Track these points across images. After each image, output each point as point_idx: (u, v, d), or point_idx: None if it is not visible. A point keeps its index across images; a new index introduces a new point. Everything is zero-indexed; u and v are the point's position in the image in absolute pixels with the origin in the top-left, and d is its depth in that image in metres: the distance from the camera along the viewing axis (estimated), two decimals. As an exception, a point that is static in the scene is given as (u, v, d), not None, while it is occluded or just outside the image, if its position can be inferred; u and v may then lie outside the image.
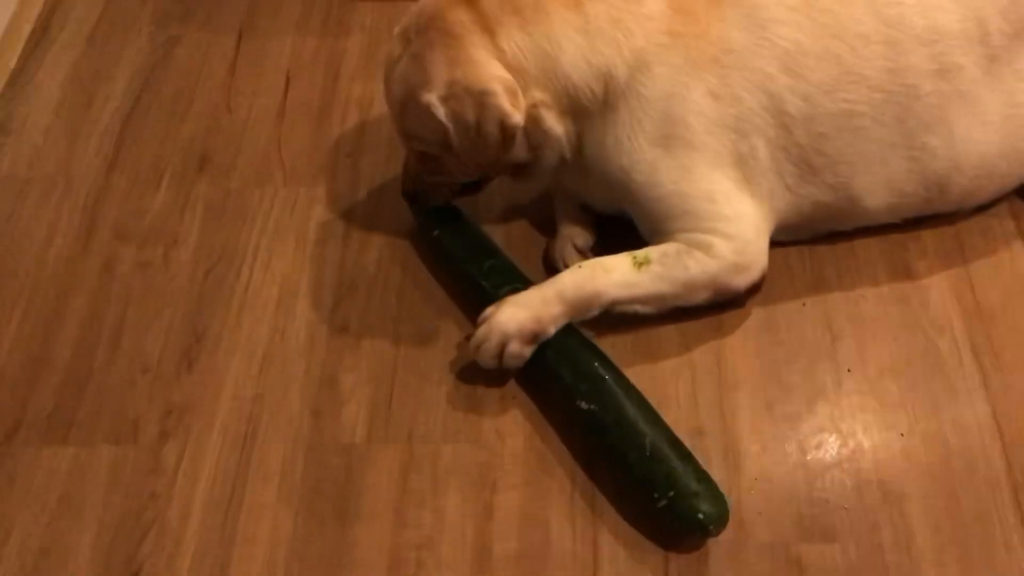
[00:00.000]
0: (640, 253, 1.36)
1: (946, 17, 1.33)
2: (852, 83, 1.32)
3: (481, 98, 1.29)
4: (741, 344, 1.40)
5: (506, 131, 1.31)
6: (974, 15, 1.34)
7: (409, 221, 1.57)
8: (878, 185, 1.39)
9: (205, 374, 1.43)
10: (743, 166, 1.34)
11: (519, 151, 1.37)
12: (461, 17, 1.30)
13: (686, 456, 1.24)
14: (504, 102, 1.29)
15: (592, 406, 1.28)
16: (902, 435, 1.30)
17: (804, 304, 1.44)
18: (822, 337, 1.40)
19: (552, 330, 1.33)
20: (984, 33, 1.34)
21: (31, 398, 1.41)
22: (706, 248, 1.35)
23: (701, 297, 1.37)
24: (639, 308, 1.37)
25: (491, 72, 1.29)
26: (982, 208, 1.51)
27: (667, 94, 1.32)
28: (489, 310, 1.35)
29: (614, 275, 1.34)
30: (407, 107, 1.35)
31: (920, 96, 1.34)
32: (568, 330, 1.35)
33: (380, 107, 1.74)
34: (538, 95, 1.33)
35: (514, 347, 1.32)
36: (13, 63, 1.88)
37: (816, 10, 1.32)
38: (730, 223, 1.35)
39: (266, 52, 1.89)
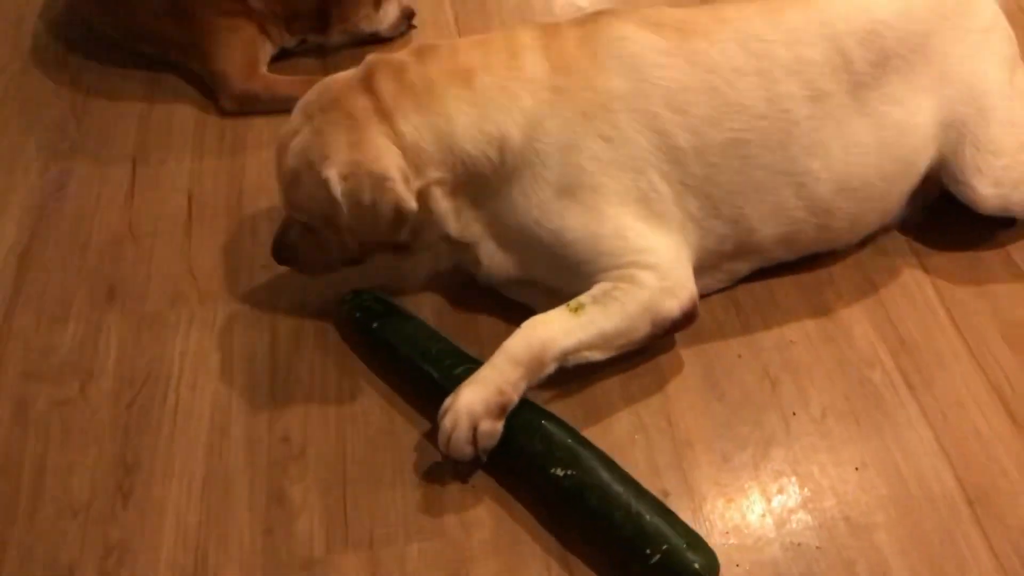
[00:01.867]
0: (572, 301, 1.38)
1: (809, 49, 1.43)
2: (735, 112, 1.40)
3: (381, 182, 1.35)
4: (688, 402, 1.42)
5: (400, 215, 1.37)
6: (835, 46, 1.43)
7: (338, 321, 1.55)
8: (770, 213, 1.45)
9: (142, 507, 1.34)
10: (647, 201, 1.40)
11: (403, 232, 1.42)
12: (362, 103, 1.37)
13: (668, 512, 1.23)
14: (402, 188, 1.35)
15: (569, 471, 1.26)
16: (856, 469, 1.33)
17: (739, 356, 1.48)
18: (762, 385, 1.44)
19: (516, 397, 1.32)
20: (847, 62, 1.44)
21: (-52, 561, 1.30)
22: (630, 280, 1.38)
23: (643, 331, 1.39)
24: (589, 355, 1.37)
25: (391, 159, 1.35)
26: (883, 251, 1.59)
27: (562, 145, 1.38)
28: (448, 400, 1.32)
29: (554, 324, 1.35)
30: (300, 179, 1.39)
31: (798, 121, 1.42)
32: (527, 404, 1.33)
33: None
34: (434, 174, 1.39)
35: (485, 426, 1.29)
36: None
37: (688, 51, 1.41)
38: (646, 254, 1.39)
39: (164, 176, 1.85)
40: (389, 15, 2.08)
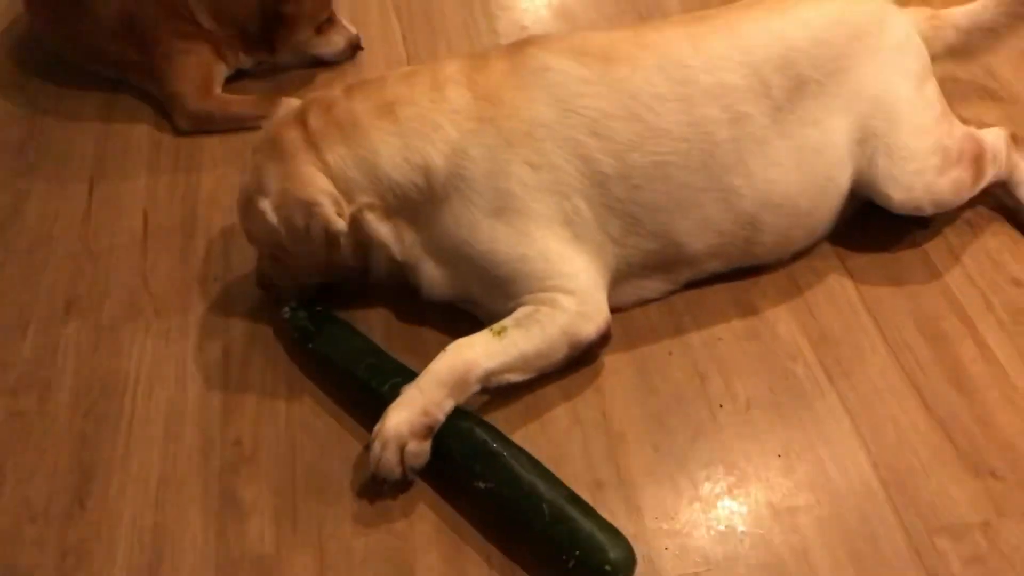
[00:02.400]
0: (496, 325, 1.46)
1: (729, 75, 1.51)
2: (657, 137, 1.48)
3: (309, 208, 1.46)
4: (622, 397, 1.49)
5: (330, 236, 1.47)
6: (754, 72, 1.51)
7: (288, 337, 1.60)
8: (696, 227, 1.53)
9: (99, 511, 1.40)
10: (571, 225, 1.48)
11: (346, 255, 1.53)
12: (293, 135, 1.49)
13: (586, 511, 1.30)
14: (329, 212, 1.47)
15: (489, 484, 1.33)
16: (779, 456, 1.41)
17: (671, 353, 1.55)
18: (691, 380, 1.51)
19: (442, 417, 1.38)
20: (765, 87, 1.52)
21: (-91, 567, 1.35)
22: (551, 303, 1.46)
23: (561, 353, 1.47)
24: (511, 376, 1.45)
25: (318, 185, 1.47)
26: (807, 253, 1.66)
27: (489, 172, 1.46)
28: (378, 425, 1.38)
29: (478, 347, 1.42)
30: (247, 212, 1.53)
31: (718, 142, 1.50)
32: (457, 414, 1.40)
33: (241, 233, 1.77)
34: (365, 199, 1.48)
35: (412, 446, 1.36)
36: None
37: (611, 79, 1.49)
38: (568, 279, 1.47)
39: (120, 195, 1.91)
40: (334, 43, 2.15)
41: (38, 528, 1.38)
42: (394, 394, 1.41)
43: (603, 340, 1.51)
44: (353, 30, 2.18)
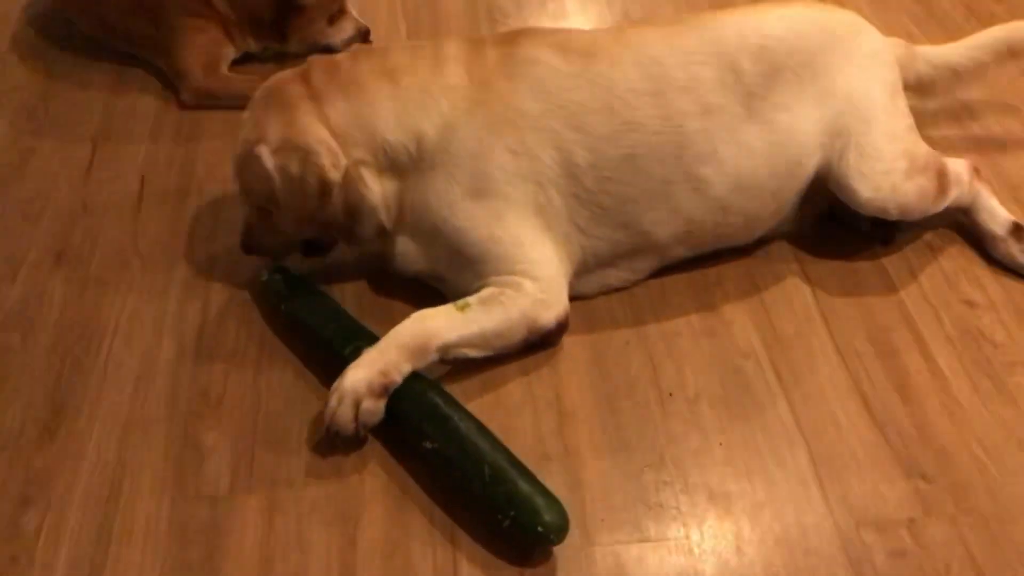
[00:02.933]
0: (460, 301, 1.52)
1: (702, 69, 1.58)
2: (630, 131, 1.55)
3: (305, 155, 1.51)
4: (576, 379, 1.55)
5: (324, 186, 1.52)
6: (727, 63, 1.59)
7: (263, 300, 1.67)
8: (665, 217, 1.60)
9: (66, 444, 1.46)
10: (542, 214, 1.55)
11: (337, 209, 1.56)
12: (295, 88, 1.55)
13: (525, 475, 1.34)
14: (324, 160, 1.51)
15: (435, 444, 1.39)
16: (720, 444, 1.46)
17: (628, 343, 1.61)
18: (645, 369, 1.57)
19: (399, 378, 1.44)
20: (738, 75, 1.59)
21: None
22: (516, 287, 1.52)
23: (519, 335, 1.53)
24: (468, 352, 1.51)
25: (316, 135, 1.52)
26: (770, 258, 1.74)
27: (473, 153, 1.53)
28: (336, 382, 1.43)
29: (440, 318, 1.49)
30: (244, 162, 1.57)
31: (689, 134, 1.57)
32: (413, 377, 1.45)
33: (232, 198, 1.86)
34: (359, 154, 1.54)
35: (367, 404, 1.42)
36: None
37: (592, 74, 1.56)
38: (535, 265, 1.54)
39: (121, 158, 2.00)
40: (344, 31, 2.24)
41: (8, 454, 1.44)
42: (356, 356, 1.47)
43: (560, 329, 1.57)
44: (362, 21, 2.26)
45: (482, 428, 1.40)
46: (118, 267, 1.75)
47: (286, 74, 1.61)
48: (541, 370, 1.56)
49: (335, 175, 1.52)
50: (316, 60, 1.61)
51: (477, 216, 1.53)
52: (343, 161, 1.53)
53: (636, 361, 1.58)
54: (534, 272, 1.53)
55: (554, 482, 1.37)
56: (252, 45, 2.22)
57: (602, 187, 1.56)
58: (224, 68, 2.16)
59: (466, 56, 1.59)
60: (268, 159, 1.52)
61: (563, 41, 1.59)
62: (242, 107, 2.07)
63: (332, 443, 1.45)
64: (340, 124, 1.53)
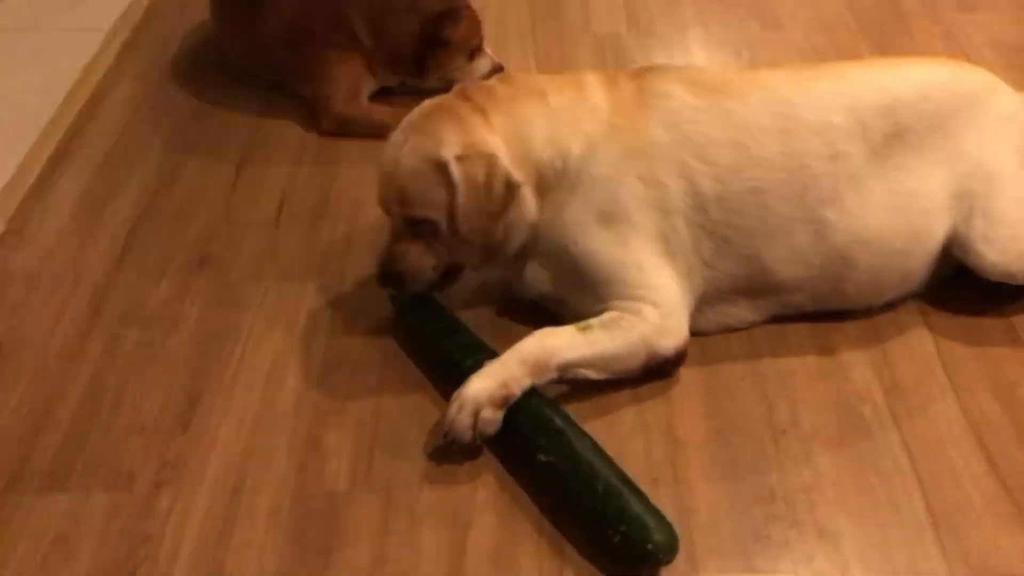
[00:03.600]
0: (581, 323, 1.56)
1: (832, 115, 1.61)
2: (757, 165, 1.58)
3: (491, 160, 1.54)
4: (688, 409, 1.56)
5: (510, 190, 1.55)
6: (856, 116, 1.61)
7: (388, 314, 1.75)
8: (785, 256, 1.61)
9: (198, 434, 1.54)
10: (666, 242, 1.58)
11: (498, 228, 1.59)
12: (462, 104, 1.60)
13: (637, 493, 1.36)
14: (509, 164, 1.55)
15: (550, 458, 1.42)
16: (833, 484, 1.45)
17: (743, 378, 1.62)
18: (758, 405, 1.57)
19: (518, 392, 1.48)
20: (865, 129, 1.61)
21: (32, 453, 1.52)
22: (636, 312, 1.55)
23: (637, 361, 1.55)
24: (586, 372, 1.54)
25: (496, 142, 1.56)
26: (892, 307, 1.72)
27: (609, 177, 1.58)
28: (457, 390, 1.48)
29: (562, 337, 1.53)
30: (417, 174, 1.56)
31: (815, 176, 1.59)
32: (530, 393, 1.49)
33: (366, 219, 1.97)
34: (519, 170, 1.57)
35: (486, 413, 1.46)
36: (33, 179, 2.10)
37: (721, 109, 1.60)
38: (656, 291, 1.57)
39: (264, 177, 2.12)
40: (480, 67, 2.33)
41: (144, 439, 1.54)
42: (476, 368, 1.51)
43: (679, 358, 1.59)
44: (496, 59, 2.36)
45: (595, 445, 1.43)
46: (256, 276, 1.85)
47: (443, 96, 1.66)
48: (654, 398, 1.58)
49: (522, 177, 1.55)
50: (467, 85, 1.69)
51: (605, 239, 1.57)
52: (519, 170, 1.57)
53: (750, 397, 1.59)
54: (656, 299, 1.56)
55: (663, 507, 1.38)
56: (391, 79, 2.33)
57: (727, 219, 1.59)
58: (364, 98, 2.28)
59: (604, 84, 1.65)
60: (454, 167, 1.53)
61: (692, 77, 1.64)
62: (380, 136, 2.21)
63: (448, 450, 1.49)
64: (505, 138, 1.58)
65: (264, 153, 2.20)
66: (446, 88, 2.31)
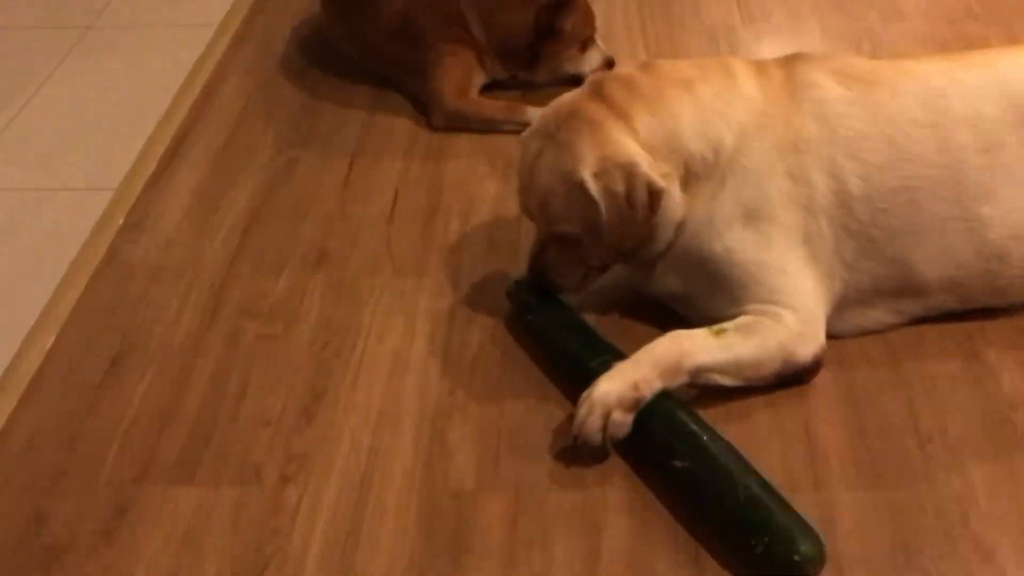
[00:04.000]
0: (716, 326, 1.50)
1: (985, 105, 1.53)
2: (908, 161, 1.51)
3: (629, 168, 1.48)
4: (827, 415, 1.50)
5: (653, 196, 1.49)
6: (1011, 103, 1.53)
7: (505, 309, 1.71)
8: (935, 256, 1.53)
9: (324, 428, 1.53)
10: (810, 243, 1.51)
11: (645, 232, 1.53)
12: (596, 108, 1.53)
13: (779, 501, 1.31)
14: (649, 170, 1.48)
15: (686, 463, 1.37)
16: (987, 495, 1.37)
17: (882, 383, 1.54)
18: (901, 411, 1.50)
19: (649, 394, 1.43)
20: (1020, 118, 1.52)
21: (160, 446, 1.52)
22: (775, 317, 1.49)
23: (773, 368, 1.49)
24: (719, 378, 1.48)
25: (633, 148, 1.50)
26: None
27: (759, 170, 1.51)
28: (586, 391, 1.44)
29: (696, 340, 1.47)
30: (555, 192, 1.52)
31: (969, 170, 1.51)
32: (662, 395, 1.44)
33: (477, 216, 1.95)
34: (665, 167, 1.51)
35: (617, 416, 1.41)
36: (151, 171, 2.12)
37: (871, 102, 1.53)
38: (797, 296, 1.50)
39: (376, 172, 2.11)
40: (592, 60, 2.29)
41: (270, 433, 1.53)
42: (604, 369, 1.47)
43: (816, 366, 1.52)
44: (607, 50, 2.31)
45: (733, 450, 1.37)
46: (372, 270, 1.84)
47: (574, 96, 1.58)
48: (790, 403, 1.51)
49: (663, 183, 1.49)
50: (604, 77, 1.60)
51: (747, 239, 1.51)
52: (664, 169, 1.51)
53: (892, 403, 1.51)
54: (795, 303, 1.49)
55: (803, 514, 1.33)
56: (500, 72, 2.31)
57: (874, 219, 1.52)
58: (474, 93, 2.26)
59: (754, 73, 1.59)
60: (591, 184, 1.47)
61: (840, 67, 1.57)
62: (490, 130, 2.19)
63: (576, 452, 1.45)
64: (648, 138, 1.51)
65: (376, 148, 2.19)
66: (555, 82, 2.32)
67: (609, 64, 2.31)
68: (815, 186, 1.50)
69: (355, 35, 2.38)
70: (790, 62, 1.60)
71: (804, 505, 1.35)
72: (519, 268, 1.74)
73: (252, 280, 1.83)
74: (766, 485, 1.32)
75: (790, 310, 1.49)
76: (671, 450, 1.38)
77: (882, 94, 1.54)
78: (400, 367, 1.63)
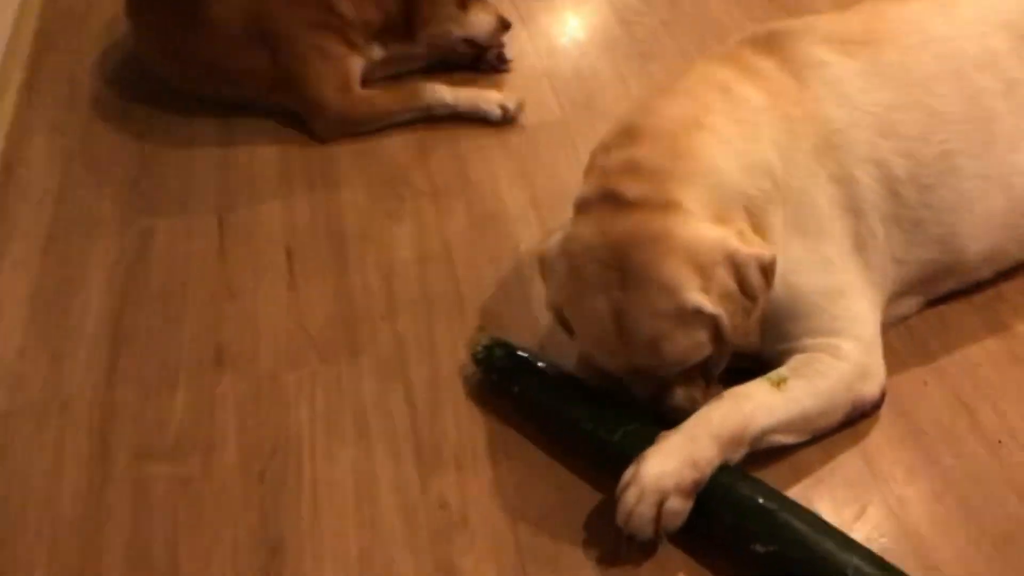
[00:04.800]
0: (773, 374, 1.26)
1: (992, 40, 1.35)
2: (940, 123, 1.32)
3: (729, 259, 1.17)
4: (881, 438, 1.29)
5: (766, 269, 1.19)
6: (1014, 32, 1.36)
7: (474, 377, 1.42)
8: (980, 224, 1.36)
9: (297, 593, 1.20)
10: (863, 250, 1.30)
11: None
12: (635, 219, 1.17)
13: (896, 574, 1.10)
14: (745, 246, 1.18)
15: (771, 547, 1.13)
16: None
17: (925, 383, 1.35)
18: (955, 412, 1.32)
19: (709, 473, 1.17)
20: None
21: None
22: (834, 352, 1.26)
23: (840, 413, 1.27)
24: (783, 438, 1.24)
25: (710, 232, 1.17)
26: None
27: (805, 187, 1.27)
28: (630, 470, 1.17)
29: (757, 398, 1.22)
30: (667, 336, 1.17)
31: (997, 117, 1.34)
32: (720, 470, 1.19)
33: (399, 263, 1.62)
34: (740, 225, 1.21)
35: (674, 504, 1.15)
36: (-34, 285, 1.66)
37: (884, 66, 1.32)
38: (857, 322, 1.29)
39: (255, 226, 1.73)
40: (480, 21, 1.97)
41: (229, 615, 1.19)
42: (629, 442, 1.21)
43: (880, 402, 1.30)
44: (498, 8, 2.00)
45: (820, 520, 1.14)
46: (291, 359, 1.48)
47: (583, 228, 1.21)
48: (841, 440, 1.29)
49: (769, 251, 1.20)
50: (601, 173, 1.23)
51: (801, 261, 1.26)
52: (740, 226, 1.21)
53: (942, 404, 1.33)
54: (855, 330, 1.26)
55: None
56: (377, 52, 1.95)
57: (922, 198, 1.31)
58: (357, 86, 1.90)
59: (738, 74, 1.31)
60: (706, 303, 1.15)
61: (830, 34, 1.33)
62: (388, 126, 1.88)
63: (618, 551, 1.19)
64: (706, 208, 1.19)
65: (245, 194, 1.80)
66: (442, 52, 1.98)
67: (505, 25, 1.99)
68: (859, 183, 1.28)
69: (184, 55, 1.94)
70: (771, 46, 1.34)
71: (898, 557, 1.14)
72: (469, 320, 1.44)
73: (140, 404, 1.44)
74: (872, 556, 1.11)
75: (852, 340, 1.26)
76: (747, 532, 1.14)
77: (890, 54, 1.32)
78: (367, 485, 1.30)
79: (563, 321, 1.28)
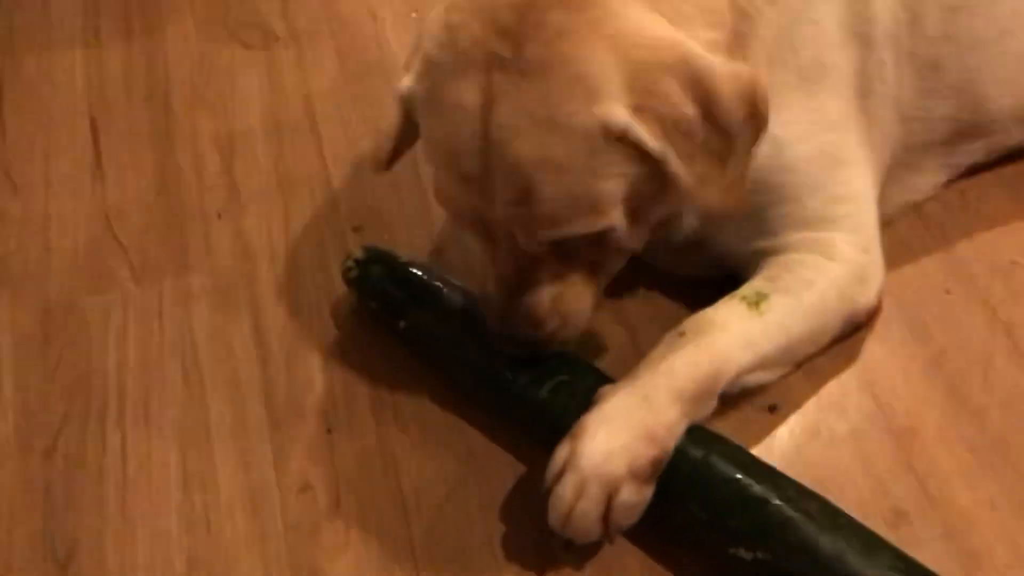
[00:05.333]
0: (747, 291, 0.92)
1: None
2: None
3: (685, 67, 0.78)
4: (895, 369, 0.98)
5: (750, 93, 0.79)
6: None
7: (350, 301, 1.05)
8: (1012, 66, 1.06)
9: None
10: (868, 95, 0.98)
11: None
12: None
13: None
14: (721, 62, 0.79)
15: (757, 554, 0.80)
16: None
17: (948, 291, 1.04)
18: (990, 331, 1.01)
19: (672, 446, 0.84)
20: None
21: None
22: (826, 248, 0.95)
23: (832, 333, 0.96)
24: (763, 376, 0.92)
25: (661, 28, 0.79)
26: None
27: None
28: (563, 450, 0.83)
29: (731, 327, 0.89)
30: (554, 166, 0.79)
31: None
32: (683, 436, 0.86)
33: (245, 138, 1.23)
34: (710, 33, 0.83)
35: (628, 494, 0.81)
36: None
37: None
38: (855, 206, 0.98)
39: (46, 84, 1.32)
40: None
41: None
42: (560, 400, 0.88)
43: (878, 310, 1.00)
44: None
45: (832, 509, 0.82)
46: (96, 277, 1.10)
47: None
48: (841, 365, 0.98)
49: (751, 70, 0.84)
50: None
51: (790, 109, 0.91)
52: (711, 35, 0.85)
53: (973, 320, 1.02)
54: (855, 219, 0.96)
55: (931, 553, 0.83)
56: None
57: (946, 28, 1.01)
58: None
59: None
60: (636, 125, 0.78)
61: None
62: None
63: (552, 555, 0.86)
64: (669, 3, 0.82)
65: (37, 39, 1.37)
66: None
67: None
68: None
69: None
70: None
71: (922, 540, 0.86)
72: (341, 219, 1.08)
73: None
74: (898, 557, 0.79)
75: (847, 233, 0.95)
76: (726, 532, 0.81)
77: None
78: (198, 457, 0.94)
79: (407, 128, 0.88)
